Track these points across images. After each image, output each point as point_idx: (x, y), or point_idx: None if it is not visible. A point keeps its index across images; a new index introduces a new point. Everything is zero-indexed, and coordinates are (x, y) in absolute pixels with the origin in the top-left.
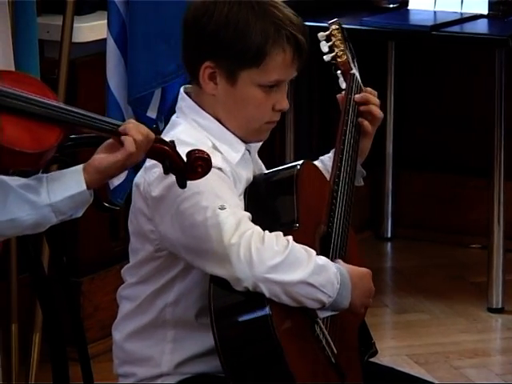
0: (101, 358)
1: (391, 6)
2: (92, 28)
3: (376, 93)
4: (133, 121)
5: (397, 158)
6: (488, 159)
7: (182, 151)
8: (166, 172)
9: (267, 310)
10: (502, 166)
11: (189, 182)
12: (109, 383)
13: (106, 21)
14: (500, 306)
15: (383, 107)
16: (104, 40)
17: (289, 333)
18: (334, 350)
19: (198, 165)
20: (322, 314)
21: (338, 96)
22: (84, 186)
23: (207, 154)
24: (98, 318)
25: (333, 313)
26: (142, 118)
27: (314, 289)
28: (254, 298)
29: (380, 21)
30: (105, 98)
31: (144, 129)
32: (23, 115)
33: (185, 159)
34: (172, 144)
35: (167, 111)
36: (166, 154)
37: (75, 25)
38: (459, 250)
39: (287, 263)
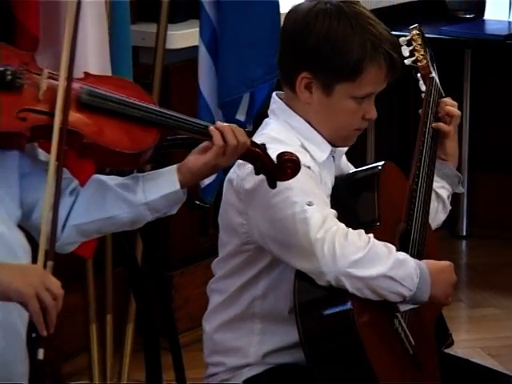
0: (191, 348)
1: (468, 16)
2: (184, 35)
3: (456, 104)
4: (233, 125)
5: (472, 161)
6: None
7: (275, 148)
8: (258, 173)
9: (349, 305)
10: None
11: None
12: (197, 383)
13: (197, 28)
14: None
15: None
16: (196, 47)
17: (369, 326)
18: (412, 341)
19: (287, 166)
20: (403, 308)
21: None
22: (178, 186)
23: (296, 157)
24: (188, 310)
25: (413, 306)
26: (231, 121)
27: (395, 282)
28: (336, 292)
29: (457, 30)
30: (196, 102)
31: (240, 134)
32: (123, 118)
33: (275, 161)
34: (263, 147)
35: (255, 114)
36: (257, 156)
37: (169, 32)
38: None
39: (368, 258)
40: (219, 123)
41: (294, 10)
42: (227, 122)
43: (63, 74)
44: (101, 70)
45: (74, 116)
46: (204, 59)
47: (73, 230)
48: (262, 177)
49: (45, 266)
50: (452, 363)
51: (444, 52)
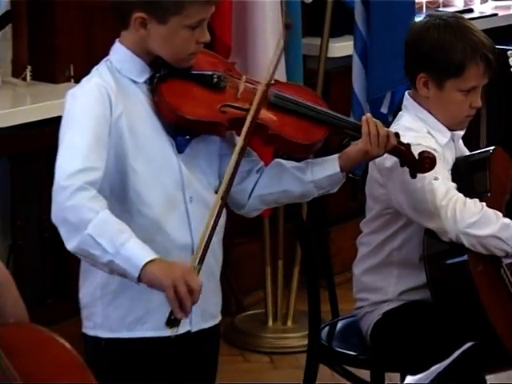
0: (342, 287)
1: None
2: (342, 47)
3: None
4: (377, 121)
5: None
6: None
7: (409, 135)
8: (402, 165)
9: (465, 257)
10: None
11: None
12: (347, 314)
13: (352, 42)
14: None
15: None
16: (350, 56)
17: (481, 274)
18: None
19: (426, 162)
20: (506, 261)
21: None
22: (338, 169)
23: (433, 155)
24: (341, 257)
25: None
26: (376, 113)
27: (501, 241)
28: (455, 247)
29: None
30: (350, 98)
31: (381, 127)
32: (301, 116)
33: (416, 157)
34: (408, 145)
35: (395, 109)
36: (402, 153)
37: (330, 44)
38: None
39: (481, 221)
40: (369, 116)
41: (412, 26)
42: (373, 114)
43: (263, 80)
44: (277, 75)
45: (263, 113)
46: (356, 65)
47: (256, 199)
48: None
49: (194, 268)
50: None
51: None
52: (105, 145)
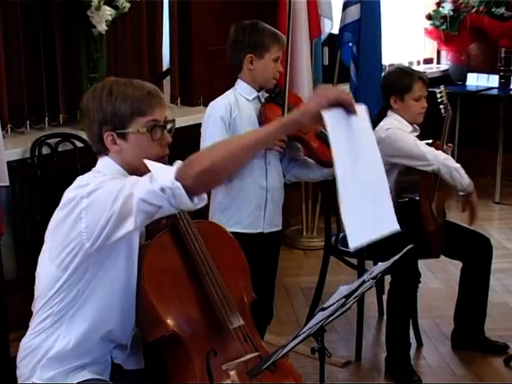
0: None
1: (460, 82)
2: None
3: None
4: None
5: (462, 140)
6: None
7: (390, 128)
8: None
9: (416, 195)
10: None
11: (403, 134)
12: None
13: (348, 85)
14: None
15: None
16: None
17: (426, 200)
18: (436, 214)
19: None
20: (460, 193)
21: None
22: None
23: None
24: None
25: (464, 193)
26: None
27: (459, 176)
28: (410, 187)
29: (456, 88)
30: None
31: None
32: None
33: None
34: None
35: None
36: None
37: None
38: None
39: (449, 159)
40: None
41: (385, 73)
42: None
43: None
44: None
45: (314, 139)
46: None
47: (290, 174)
48: (388, 132)
49: None
50: (450, 227)
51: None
52: (226, 134)
